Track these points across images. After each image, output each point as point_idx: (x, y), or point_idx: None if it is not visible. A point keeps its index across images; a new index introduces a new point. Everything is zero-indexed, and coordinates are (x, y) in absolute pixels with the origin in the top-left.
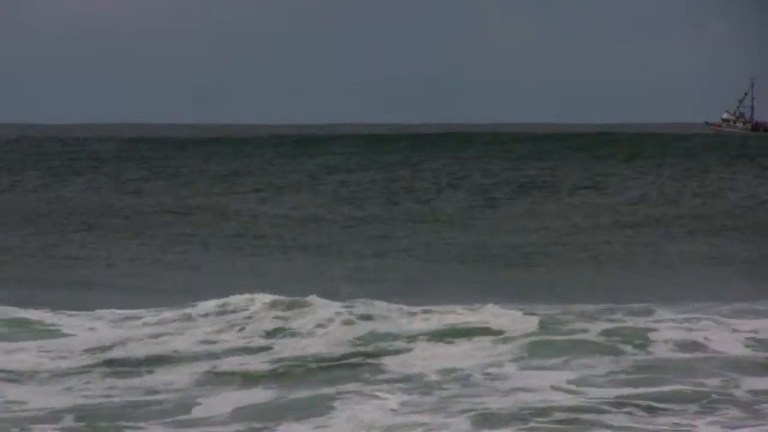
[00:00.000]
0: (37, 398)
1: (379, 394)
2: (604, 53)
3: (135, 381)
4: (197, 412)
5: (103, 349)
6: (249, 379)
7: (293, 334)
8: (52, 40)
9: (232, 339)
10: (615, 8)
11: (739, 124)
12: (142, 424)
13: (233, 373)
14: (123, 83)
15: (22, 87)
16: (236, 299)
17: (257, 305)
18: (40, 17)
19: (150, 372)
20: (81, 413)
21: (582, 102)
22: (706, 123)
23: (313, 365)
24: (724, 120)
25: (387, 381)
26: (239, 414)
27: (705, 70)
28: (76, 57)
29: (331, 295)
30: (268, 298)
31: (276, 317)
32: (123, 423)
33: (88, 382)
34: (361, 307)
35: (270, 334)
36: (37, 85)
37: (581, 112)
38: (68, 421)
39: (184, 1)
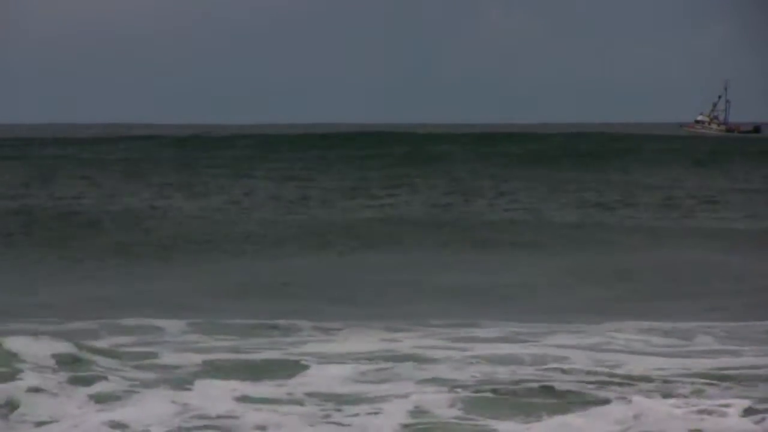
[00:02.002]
0: None
1: None
2: (604, 53)
3: None
4: None
5: None
6: None
7: None
8: (51, 41)
9: None
10: (615, 8)
11: (714, 126)
12: None
13: None
14: (122, 83)
15: (22, 88)
16: None
17: None
18: (39, 17)
19: None
20: None
21: (582, 102)
22: (680, 125)
23: None
24: (698, 122)
25: None
26: None
27: (705, 70)
28: (73, 58)
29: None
30: None
31: None
32: None
33: None
34: None
35: None
36: (35, 86)
37: (581, 112)
38: None
39: (185, 2)
